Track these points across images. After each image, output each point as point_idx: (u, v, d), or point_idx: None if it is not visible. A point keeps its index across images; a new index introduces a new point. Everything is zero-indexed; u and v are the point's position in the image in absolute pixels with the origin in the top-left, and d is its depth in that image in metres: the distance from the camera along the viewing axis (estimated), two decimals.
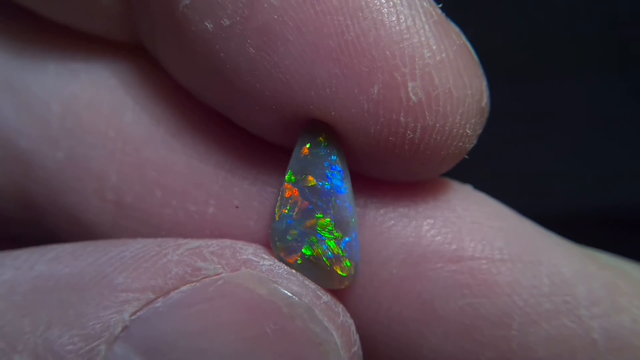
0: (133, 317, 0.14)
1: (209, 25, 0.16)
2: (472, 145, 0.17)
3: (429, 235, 0.17)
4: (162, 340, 0.14)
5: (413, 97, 0.15)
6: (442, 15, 0.16)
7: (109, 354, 0.14)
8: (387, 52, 0.15)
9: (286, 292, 0.15)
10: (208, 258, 0.15)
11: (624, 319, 0.17)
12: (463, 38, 0.16)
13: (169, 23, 0.17)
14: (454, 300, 0.17)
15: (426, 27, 0.15)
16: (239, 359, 0.14)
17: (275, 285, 0.15)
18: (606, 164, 0.38)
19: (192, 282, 0.15)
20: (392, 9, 0.15)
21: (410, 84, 0.15)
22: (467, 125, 0.16)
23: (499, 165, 0.39)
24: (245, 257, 0.15)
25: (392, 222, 0.17)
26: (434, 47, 0.15)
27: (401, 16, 0.15)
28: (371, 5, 0.15)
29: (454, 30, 0.16)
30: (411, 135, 0.16)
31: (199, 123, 0.20)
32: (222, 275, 0.15)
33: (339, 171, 0.17)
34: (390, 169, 0.17)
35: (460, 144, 0.16)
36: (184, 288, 0.15)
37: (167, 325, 0.14)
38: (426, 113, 0.16)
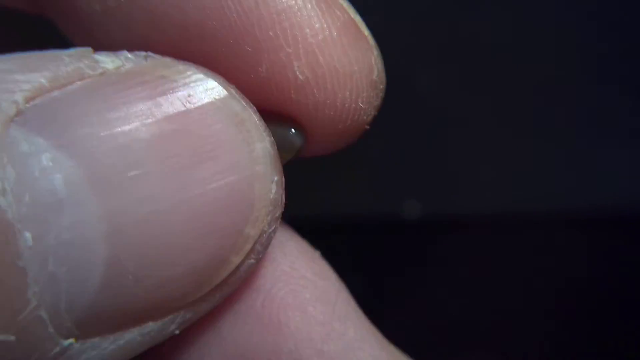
0: (28, 105, 0.13)
1: (97, 7, 0.16)
2: (371, 117, 0.17)
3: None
4: (67, 123, 0.13)
5: (300, 76, 0.16)
6: None
7: (6, 136, 0.13)
8: (270, 33, 0.16)
9: (197, 71, 0.14)
10: (104, 54, 0.14)
11: None
12: (349, 13, 0.17)
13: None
14: (239, 325, 0.18)
15: (308, 5, 0.16)
16: (161, 139, 0.14)
17: (183, 66, 0.14)
18: (606, 164, 0.38)
19: (91, 75, 0.14)
20: None
21: (295, 64, 0.16)
22: (359, 100, 0.17)
23: (497, 165, 0.39)
24: (145, 53, 0.15)
25: None
26: (317, 26, 0.16)
27: None
28: None
29: (339, 5, 0.16)
30: (305, 110, 0.16)
31: None
32: (123, 67, 0.14)
33: None
34: None
35: (356, 116, 0.17)
36: (80, 82, 0.14)
37: (70, 110, 0.13)
38: (314, 90, 0.16)
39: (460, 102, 0.39)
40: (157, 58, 0.15)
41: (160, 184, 0.14)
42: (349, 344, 0.18)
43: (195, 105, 0.14)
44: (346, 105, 0.16)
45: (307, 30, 0.16)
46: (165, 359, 0.18)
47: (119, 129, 0.13)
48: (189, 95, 0.14)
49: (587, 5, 0.38)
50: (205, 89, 0.14)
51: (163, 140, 0.14)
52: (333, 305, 0.18)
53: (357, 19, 0.17)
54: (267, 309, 0.18)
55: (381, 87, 0.17)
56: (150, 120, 0.14)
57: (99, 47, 0.18)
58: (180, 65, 0.14)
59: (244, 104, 0.15)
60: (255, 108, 0.15)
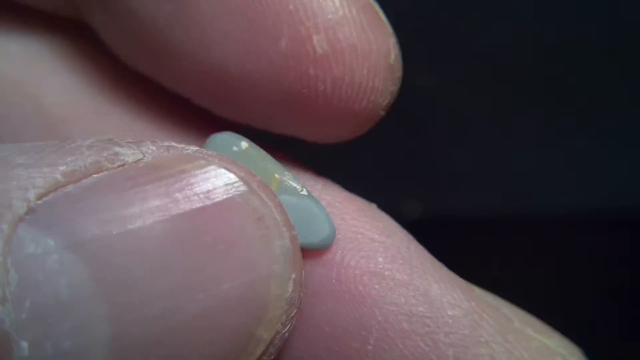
0: (40, 202, 0.12)
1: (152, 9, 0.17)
2: (386, 102, 0.17)
3: None
4: (78, 223, 0.13)
5: (319, 50, 0.16)
6: None
7: (13, 237, 0.12)
8: (291, 7, 0.16)
9: (218, 167, 0.14)
10: (125, 145, 0.14)
11: (481, 352, 0.17)
12: None
13: None
14: (319, 304, 0.17)
15: None
16: (173, 237, 0.13)
17: (205, 160, 0.14)
18: (605, 165, 0.38)
19: (109, 169, 0.13)
20: None
21: (315, 37, 0.16)
22: (376, 80, 0.17)
23: (498, 165, 0.39)
24: (167, 143, 0.14)
25: None
26: (337, 3, 0.16)
27: None
28: None
29: None
30: (322, 87, 0.17)
31: (133, 94, 0.20)
32: (143, 159, 0.14)
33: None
34: (310, 126, 0.18)
35: (372, 97, 0.17)
36: (98, 175, 0.13)
37: (83, 208, 0.13)
38: (333, 65, 0.16)
39: (461, 102, 0.39)
40: (179, 149, 0.14)
41: (171, 283, 0.13)
42: (436, 301, 0.17)
43: (214, 201, 0.14)
44: (363, 84, 0.17)
45: (328, 5, 0.16)
46: None
47: (132, 226, 0.13)
48: (208, 191, 0.14)
49: (588, 5, 0.38)
50: (225, 184, 0.14)
51: (177, 238, 0.13)
52: (409, 263, 0.17)
53: (376, 5, 0.17)
54: (343, 283, 0.17)
55: (398, 74, 0.17)
56: (165, 217, 0.13)
57: (133, 55, 0.19)
58: (202, 160, 0.14)
59: (265, 198, 0.14)
60: (277, 201, 0.14)
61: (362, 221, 0.18)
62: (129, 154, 0.14)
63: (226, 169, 0.14)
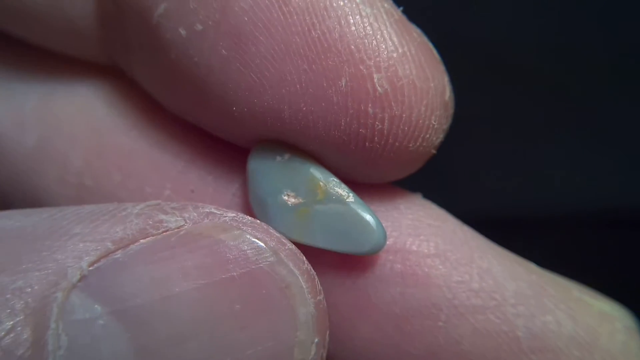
0: (91, 268, 0.14)
1: (183, 32, 0.17)
2: (439, 140, 0.18)
3: None
4: (123, 289, 0.14)
5: (379, 89, 0.16)
6: (402, 16, 0.17)
7: (66, 304, 0.13)
8: (352, 47, 0.16)
9: (250, 237, 0.15)
10: (169, 212, 0.15)
11: (548, 320, 0.18)
12: (424, 37, 0.17)
13: (143, 35, 0.18)
14: (387, 289, 0.18)
15: (387, 23, 0.16)
16: (205, 303, 0.14)
17: (239, 231, 0.15)
18: (605, 165, 0.38)
19: (154, 235, 0.15)
20: (355, 8, 0.16)
21: (375, 76, 0.16)
22: (433, 117, 0.17)
23: (499, 165, 0.39)
24: (207, 210, 0.15)
25: None
26: (396, 41, 0.16)
27: (363, 14, 0.16)
28: (335, 5, 0.16)
29: (414, 29, 0.17)
30: (380, 126, 0.16)
31: (164, 124, 0.21)
32: (184, 226, 0.15)
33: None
34: (362, 167, 0.18)
35: (427, 136, 0.17)
36: (144, 241, 0.14)
37: (129, 274, 0.14)
38: (392, 103, 0.16)
39: (462, 102, 0.39)
40: (218, 216, 0.15)
41: (201, 349, 0.14)
42: (499, 276, 0.18)
43: (245, 270, 0.15)
44: (420, 121, 0.17)
45: (388, 44, 0.16)
46: None
47: (170, 293, 0.14)
48: (239, 261, 0.15)
49: (588, 5, 0.38)
50: (256, 254, 0.15)
51: (209, 305, 0.14)
52: (467, 244, 0.18)
53: (429, 43, 0.17)
54: (408, 267, 0.18)
55: (451, 111, 0.18)
56: (200, 285, 0.14)
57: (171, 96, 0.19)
58: (236, 230, 0.15)
59: (292, 267, 0.15)
60: (305, 268, 0.15)
61: (415, 209, 0.19)
62: (172, 221, 0.15)
63: (258, 238, 0.15)
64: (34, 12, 0.20)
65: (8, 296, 0.13)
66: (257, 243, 0.15)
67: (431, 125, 0.17)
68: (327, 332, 0.15)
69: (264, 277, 0.15)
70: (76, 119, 0.21)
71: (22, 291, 0.13)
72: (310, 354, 0.15)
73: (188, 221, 0.15)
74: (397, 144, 0.17)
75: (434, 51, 0.17)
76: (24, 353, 0.13)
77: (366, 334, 0.18)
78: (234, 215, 0.15)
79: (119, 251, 0.14)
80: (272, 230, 0.15)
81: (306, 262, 0.16)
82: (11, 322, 0.13)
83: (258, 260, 0.15)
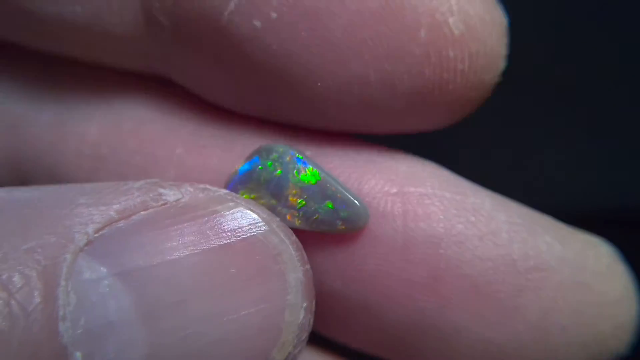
0: (97, 235, 0.15)
1: (258, 24, 0.18)
2: (503, 67, 0.18)
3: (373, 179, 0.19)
4: (126, 254, 0.15)
5: (456, 31, 0.17)
6: None
7: (74, 265, 0.14)
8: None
9: (244, 209, 0.16)
10: (168, 187, 0.16)
11: (540, 243, 0.19)
12: None
13: (212, 37, 0.18)
14: (390, 224, 0.19)
15: None
16: (203, 268, 0.15)
17: (234, 202, 0.16)
18: (605, 165, 0.38)
19: (154, 207, 0.16)
20: None
21: (450, 20, 0.17)
22: (502, 46, 0.18)
23: (500, 165, 0.39)
24: (202, 186, 0.16)
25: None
26: None
27: None
28: None
29: None
30: (461, 67, 0.17)
31: (177, 95, 0.22)
32: (182, 199, 0.16)
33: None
34: (440, 112, 0.19)
35: (500, 64, 0.18)
36: (144, 212, 0.15)
37: (131, 241, 0.15)
38: (469, 42, 0.17)
39: None
40: (213, 191, 0.16)
41: (200, 309, 0.15)
42: (491, 210, 0.19)
43: (239, 238, 0.16)
44: (494, 52, 0.18)
45: None
46: None
47: (170, 257, 0.15)
48: (235, 230, 0.16)
49: (588, 5, 0.38)
50: (249, 224, 0.16)
51: (207, 269, 0.15)
52: (461, 184, 0.20)
53: None
54: (408, 204, 0.19)
55: (507, 38, 0.19)
56: (198, 251, 0.15)
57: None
58: (231, 202, 0.16)
59: (283, 237, 0.16)
60: (294, 239, 0.16)
61: (411, 159, 0.20)
62: (171, 195, 0.16)
63: (251, 210, 0.16)
64: (74, 25, 0.20)
65: (20, 255, 0.14)
66: (251, 214, 0.16)
67: (502, 54, 0.18)
68: (314, 300, 0.16)
69: (258, 245, 0.16)
70: (91, 93, 0.22)
71: (34, 251, 0.14)
72: (300, 317, 0.16)
73: (185, 195, 0.16)
74: (476, 79, 0.18)
75: None
76: (37, 306, 0.14)
77: (374, 265, 0.19)
78: (227, 191, 0.16)
79: (122, 221, 0.15)
80: (262, 207, 0.16)
81: (294, 235, 0.17)
82: (24, 278, 0.14)
83: (252, 229, 0.16)
